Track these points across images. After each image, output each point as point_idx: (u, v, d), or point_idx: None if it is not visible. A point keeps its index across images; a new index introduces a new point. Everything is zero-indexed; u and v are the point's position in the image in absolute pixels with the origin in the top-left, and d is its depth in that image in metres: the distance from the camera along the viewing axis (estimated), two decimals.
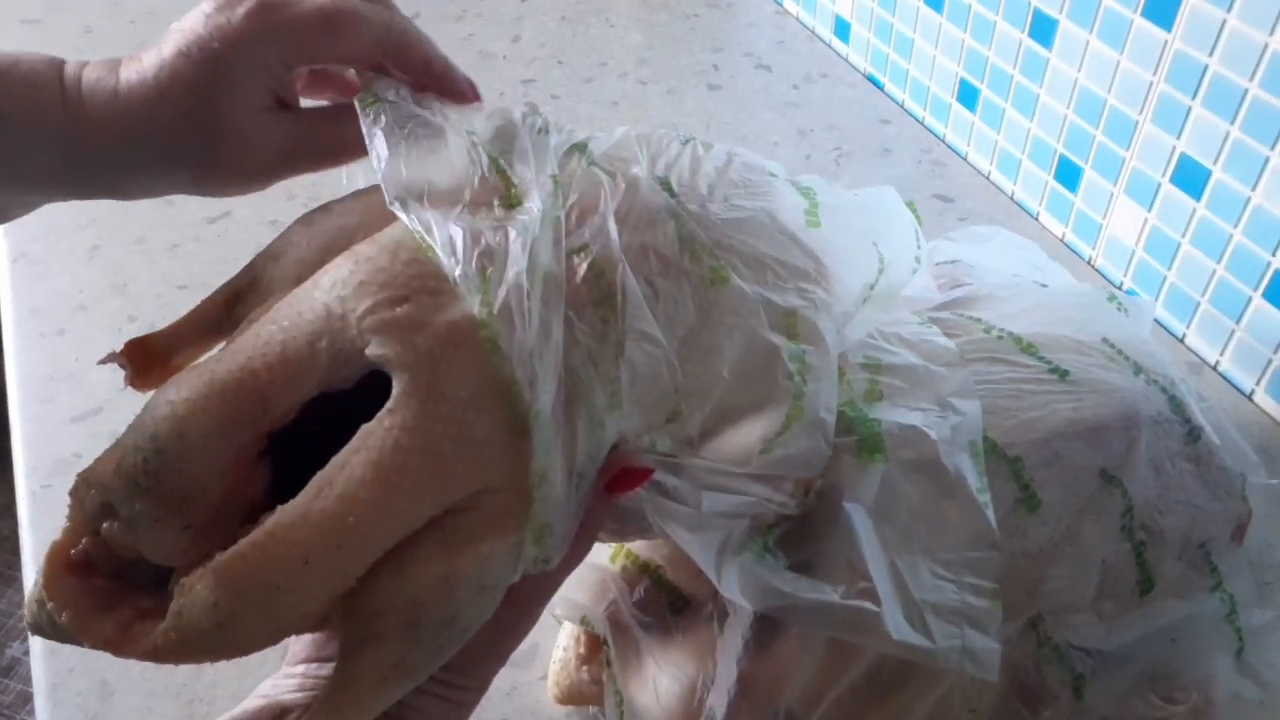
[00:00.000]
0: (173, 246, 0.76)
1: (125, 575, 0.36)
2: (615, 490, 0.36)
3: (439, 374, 0.33)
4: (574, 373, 0.35)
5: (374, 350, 0.33)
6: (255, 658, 0.50)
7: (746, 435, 0.38)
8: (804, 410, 0.38)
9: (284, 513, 0.32)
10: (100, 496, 0.34)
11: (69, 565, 0.35)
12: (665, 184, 0.38)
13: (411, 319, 0.33)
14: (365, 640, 0.33)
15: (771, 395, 0.38)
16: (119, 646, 0.35)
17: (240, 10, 0.37)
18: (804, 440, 0.38)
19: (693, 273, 0.37)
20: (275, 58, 0.38)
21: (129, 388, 0.40)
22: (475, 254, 0.34)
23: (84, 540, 0.35)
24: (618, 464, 0.36)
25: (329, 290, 0.34)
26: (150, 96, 0.37)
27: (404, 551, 0.33)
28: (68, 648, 0.50)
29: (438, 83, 0.40)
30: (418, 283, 0.34)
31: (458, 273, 0.34)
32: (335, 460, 0.32)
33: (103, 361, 0.40)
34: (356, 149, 0.39)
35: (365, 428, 0.33)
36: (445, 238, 0.34)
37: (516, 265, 0.34)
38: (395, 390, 0.33)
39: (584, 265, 0.35)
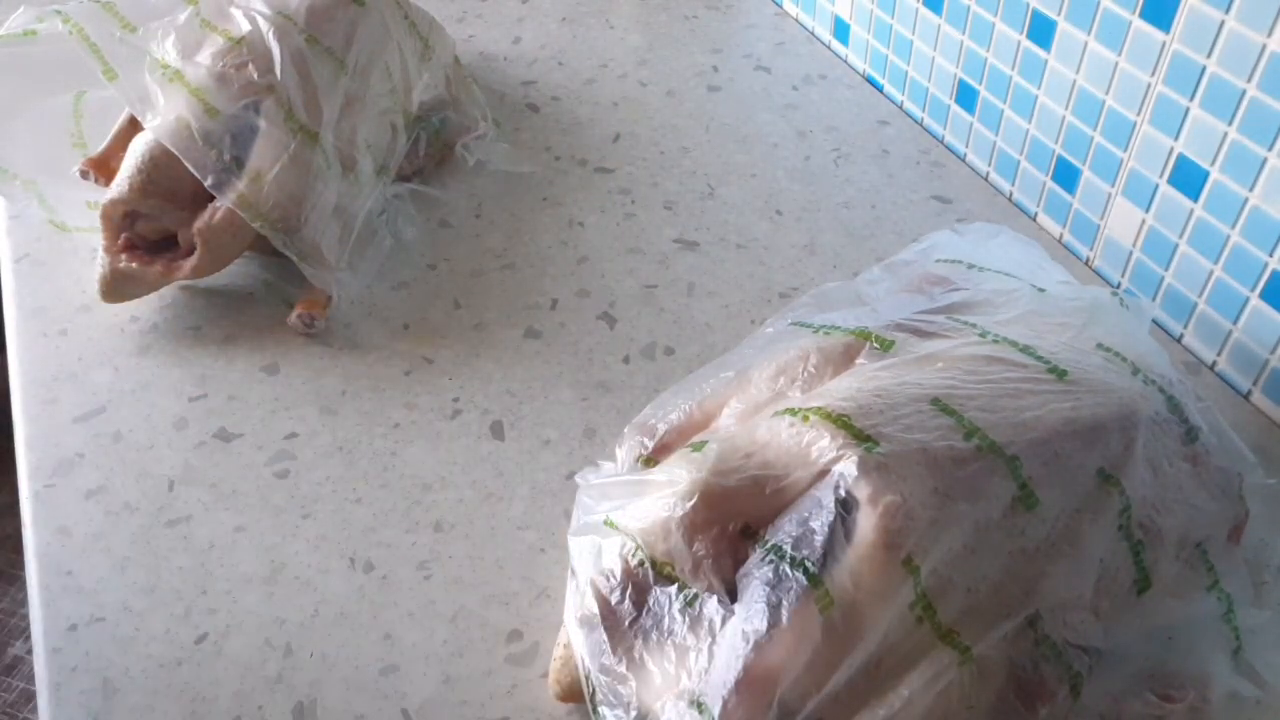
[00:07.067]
0: None
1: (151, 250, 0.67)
2: None
3: None
4: None
5: None
6: (256, 660, 0.51)
7: None
8: None
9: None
10: (123, 208, 0.65)
11: (122, 247, 0.66)
12: None
13: None
14: None
15: None
16: (170, 274, 0.66)
17: None
18: None
19: None
20: None
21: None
22: None
23: (121, 238, 0.66)
24: None
25: None
26: None
27: None
28: (69, 646, 0.51)
29: None
30: None
31: None
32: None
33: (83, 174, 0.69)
34: None
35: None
36: None
37: None
38: None
39: None
